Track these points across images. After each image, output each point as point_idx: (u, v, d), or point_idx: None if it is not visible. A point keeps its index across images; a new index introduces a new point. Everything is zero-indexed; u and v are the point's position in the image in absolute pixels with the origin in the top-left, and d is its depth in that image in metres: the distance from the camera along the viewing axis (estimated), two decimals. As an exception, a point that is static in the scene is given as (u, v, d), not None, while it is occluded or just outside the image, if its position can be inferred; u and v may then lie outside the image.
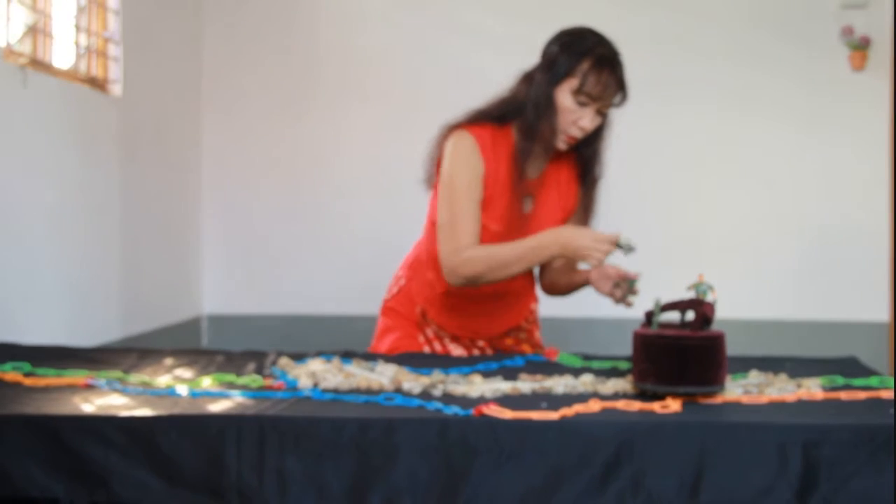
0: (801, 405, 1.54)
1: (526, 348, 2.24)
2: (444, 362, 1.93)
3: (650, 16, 4.36)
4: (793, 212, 4.36)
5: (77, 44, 3.38)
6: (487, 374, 1.80)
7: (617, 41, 2.03)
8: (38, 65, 3.07)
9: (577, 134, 2.02)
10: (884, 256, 4.22)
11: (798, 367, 1.86)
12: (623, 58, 2.01)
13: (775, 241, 4.36)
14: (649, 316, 1.65)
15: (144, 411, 1.45)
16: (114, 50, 3.58)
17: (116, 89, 3.58)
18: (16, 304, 2.83)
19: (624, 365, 1.90)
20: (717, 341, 1.56)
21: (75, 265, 3.24)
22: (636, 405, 1.49)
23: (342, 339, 3.29)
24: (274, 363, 1.88)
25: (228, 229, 4.54)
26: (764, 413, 1.47)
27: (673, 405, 1.48)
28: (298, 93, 4.50)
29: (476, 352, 2.19)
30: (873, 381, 1.73)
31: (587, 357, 2.01)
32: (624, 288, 1.95)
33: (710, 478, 1.34)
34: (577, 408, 1.46)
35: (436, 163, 2.11)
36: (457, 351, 2.19)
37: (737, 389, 1.63)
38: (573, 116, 2.00)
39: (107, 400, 1.55)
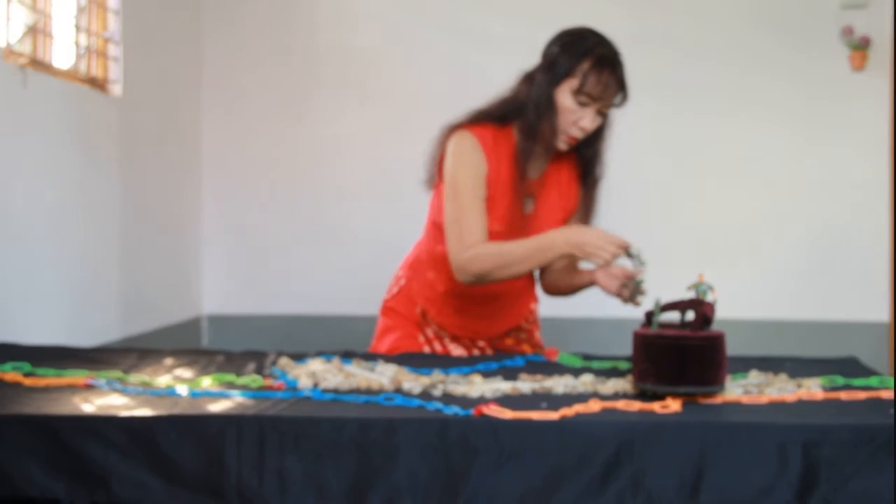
0: (801, 405, 1.54)
1: (526, 348, 2.24)
2: (444, 362, 1.93)
3: (650, 16, 4.36)
4: (793, 212, 4.36)
5: (77, 44, 3.38)
6: (487, 374, 1.80)
7: (617, 41, 2.03)
8: (38, 65, 3.07)
9: (577, 134, 2.02)
10: (884, 256, 4.22)
11: (798, 367, 1.86)
12: (623, 58, 2.01)
13: (775, 241, 4.36)
14: (649, 316, 1.65)
15: (144, 411, 1.45)
16: (114, 50, 3.58)
17: (116, 89, 3.58)
18: (16, 304, 2.83)
19: (624, 365, 1.90)
20: (717, 341, 1.56)
21: (75, 265, 3.24)
22: (636, 405, 1.49)
23: (342, 340, 3.29)
24: (274, 363, 1.88)
25: (228, 229, 4.54)
26: (764, 413, 1.47)
27: (673, 405, 1.48)
28: (298, 93, 4.50)
29: (476, 352, 2.19)
30: (873, 381, 1.73)
31: (587, 357, 2.01)
32: (631, 288, 1.94)
33: (710, 478, 1.34)
34: (577, 408, 1.46)
35: (437, 163, 2.11)
36: (457, 351, 2.19)
37: (737, 389, 1.63)
38: (574, 117, 2.00)
39: (107, 400, 1.55)
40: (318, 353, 1.94)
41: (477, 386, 1.62)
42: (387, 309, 2.26)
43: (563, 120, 2.00)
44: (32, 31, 3.08)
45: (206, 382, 1.69)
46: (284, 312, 4.50)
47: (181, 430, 1.39)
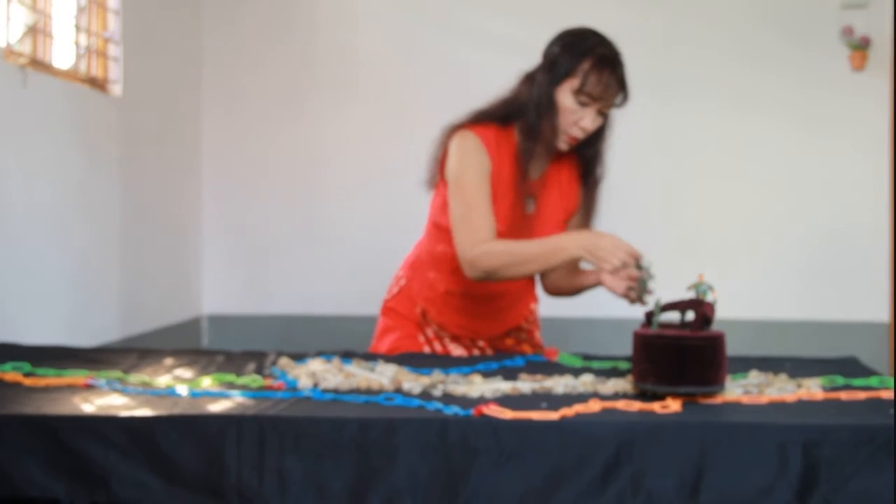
0: (801, 405, 1.54)
1: (526, 348, 2.24)
2: (444, 362, 1.93)
3: (650, 16, 4.36)
4: (793, 212, 4.36)
5: (77, 44, 3.38)
6: (487, 374, 1.80)
7: (617, 42, 2.03)
8: (38, 65, 3.07)
9: (578, 134, 2.02)
10: (884, 256, 4.22)
11: (798, 367, 1.86)
12: (624, 58, 2.01)
13: (775, 241, 4.36)
14: (649, 316, 1.65)
15: (144, 411, 1.45)
16: (114, 50, 3.58)
17: (116, 89, 3.58)
18: (16, 304, 2.83)
19: (624, 365, 1.90)
20: (717, 341, 1.56)
21: (75, 265, 3.24)
22: (636, 405, 1.49)
23: (342, 340, 3.29)
24: (274, 363, 1.88)
25: (228, 229, 4.54)
26: (764, 413, 1.47)
27: (673, 405, 1.48)
28: (298, 93, 4.50)
29: (476, 352, 2.19)
30: (873, 381, 1.73)
31: (587, 357, 2.01)
32: (638, 289, 1.93)
33: (710, 478, 1.34)
34: (577, 408, 1.46)
35: (438, 163, 2.10)
36: (457, 351, 2.19)
37: (737, 389, 1.63)
38: (574, 117, 2.00)
39: (107, 400, 1.55)
40: (318, 353, 1.94)
41: (477, 386, 1.62)
42: (387, 309, 2.26)
43: (563, 120, 2.00)
44: (32, 31, 3.08)
45: (206, 382, 1.69)
46: (284, 312, 4.50)
47: (181, 430, 1.39)
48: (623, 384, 1.66)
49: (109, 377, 1.72)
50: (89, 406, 1.50)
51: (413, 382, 1.65)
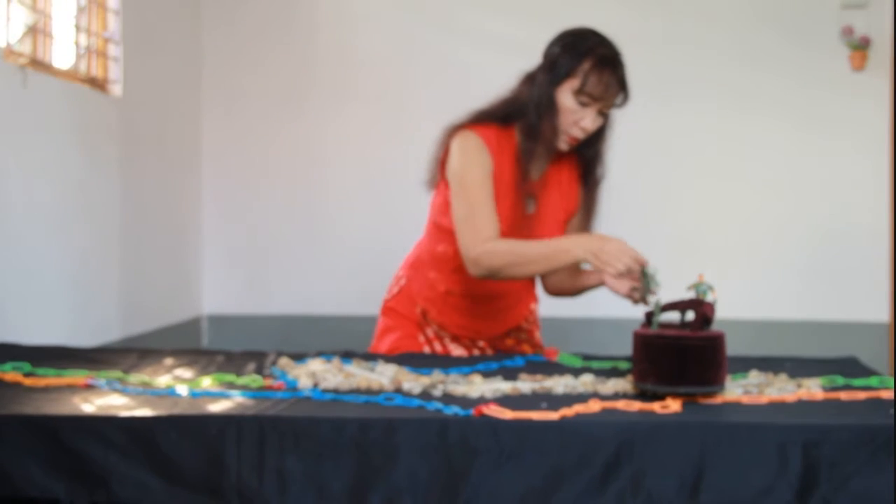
0: (801, 405, 1.54)
1: (526, 348, 2.24)
2: (444, 362, 1.93)
3: (650, 16, 4.36)
4: (793, 212, 4.36)
5: (77, 44, 3.38)
6: (487, 374, 1.80)
7: (617, 42, 2.03)
8: (38, 65, 3.07)
9: (578, 134, 2.02)
10: (884, 256, 4.22)
11: (798, 367, 1.86)
12: (624, 58, 2.01)
13: (775, 241, 4.36)
14: (649, 316, 1.65)
15: (144, 411, 1.45)
16: (114, 50, 3.58)
17: (116, 89, 3.58)
18: (16, 304, 2.83)
19: (624, 365, 1.90)
20: (717, 341, 1.56)
21: (75, 265, 3.24)
22: (636, 405, 1.49)
23: (342, 340, 3.29)
24: (274, 363, 1.88)
25: (228, 229, 4.54)
26: (764, 413, 1.47)
27: (673, 405, 1.48)
28: (298, 93, 4.50)
29: (476, 352, 2.19)
30: (873, 381, 1.73)
31: (587, 357, 2.01)
32: (642, 289, 1.93)
33: (710, 478, 1.34)
34: (577, 408, 1.46)
35: (439, 163, 2.10)
36: (457, 351, 2.19)
37: (737, 389, 1.63)
38: (575, 117, 2.00)
39: (107, 400, 1.55)
40: (318, 353, 1.94)
41: (477, 386, 1.62)
42: (387, 309, 2.26)
43: (564, 120, 2.00)
44: (32, 31, 3.08)
45: (206, 382, 1.69)
46: (284, 312, 4.50)
47: (181, 430, 1.39)
48: (623, 384, 1.66)
49: (109, 377, 1.72)
50: (89, 406, 1.50)
51: (413, 382, 1.65)
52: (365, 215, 4.47)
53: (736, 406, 1.53)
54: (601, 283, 2.05)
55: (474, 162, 2.02)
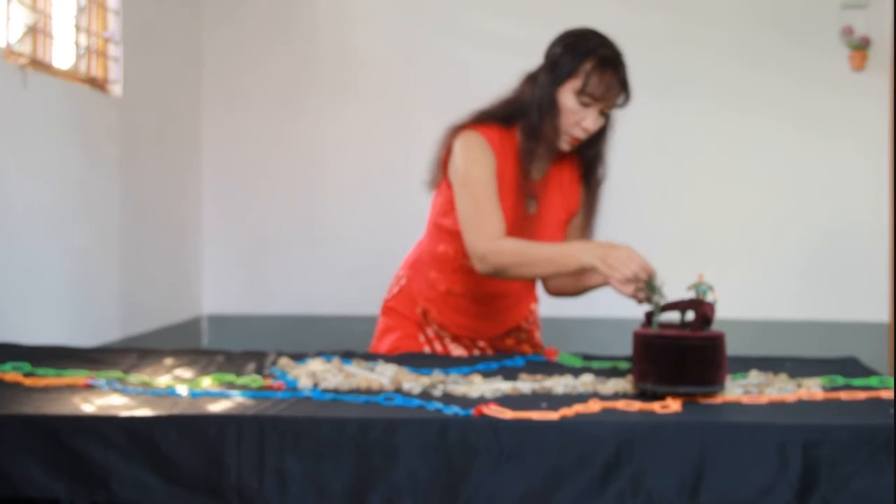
0: (801, 405, 1.54)
1: (526, 348, 2.24)
2: (444, 362, 1.93)
3: (650, 16, 4.36)
4: (793, 212, 4.36)
5: (77, 44, 3.38)
6: (487, 374, 1.80)
7: (619, 42, 2.02)
8: (38, 65, 3.07)
9: (580, 135, 2.02)
10: (884, 256, 4.22)
11: (798, 367, 1.86)
12: (626, 58, 2.01)
13: (775, 241, 4.36)
14: (649, 316, 1.65)
15: (144, 411, 1.44)
16: (114, 50, 3.58)
17: (116, 89, 3.58)
18: (16, 304, 2.83)
19: (624, 365, 1.90)
20: (717, 341, 1.56)
21: (75, 265, 3.24)
22: (636, 405, 1.49)
23: (342, 340, 3.28)
24: (274, 363, 1.88)
25: (228, 229, 4.54)
26: (764, 413, 1.47)
27: (673, 405, 1.48)
28: (298, 93, 4.50)
29: (476, 352, 2.19)
30: (873, 381, 1.73)
31: (587, 357, 2.01)
32: (647, 290, 1.91)
33: (710, 478, 1.34)
34: (577, 408, 1.46)
35: (441, 163, 2.10)
36: (457, 351, 2.19)
37: (737, 389, 1.63)
38: (576, 117, 1.99)
39: (107, 400, 1.54)
40: (318, 353, 1.94)
41: (477, 386, 1.62)
42: (387, 309, 2.26)
43: (565, 120, 2.00)
44: (32, 31, 3.08)
45: (206, 382, 1.69)
46: (284, 312, 4.50)
47: (181, 430, 1.39)
48: (623, 384, 1.66)
49: (109, 377, 1.72)
50: (89, 406, 1.50)
51: (413, 382, 1.65)
52: (365, 215, 4.47)
53: (736, 406, 1.53)
54: (604, 284, 2.05)
55: (478, 161, 2.02)
